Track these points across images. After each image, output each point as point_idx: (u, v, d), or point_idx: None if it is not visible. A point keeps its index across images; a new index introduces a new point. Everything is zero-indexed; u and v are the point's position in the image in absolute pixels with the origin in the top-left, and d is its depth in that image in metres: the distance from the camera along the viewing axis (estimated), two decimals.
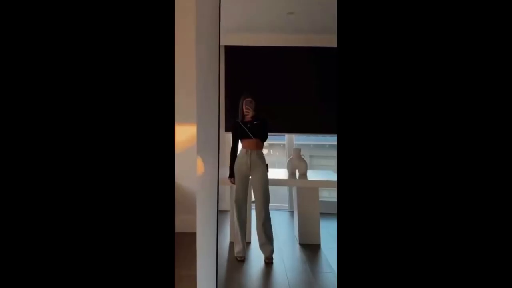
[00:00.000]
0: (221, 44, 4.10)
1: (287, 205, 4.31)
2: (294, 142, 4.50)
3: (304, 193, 3.00)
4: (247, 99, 2.65)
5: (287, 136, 4.45)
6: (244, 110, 2.63)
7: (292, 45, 4.10)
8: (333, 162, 7.30)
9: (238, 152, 2.72)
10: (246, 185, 2.66)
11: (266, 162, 2.68)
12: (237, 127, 2.68)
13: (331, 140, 6.82)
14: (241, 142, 2.68)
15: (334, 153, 7.32)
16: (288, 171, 3.12)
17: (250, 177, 2.64)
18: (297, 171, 3.09)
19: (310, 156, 7.08)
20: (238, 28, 3.89)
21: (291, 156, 3.14)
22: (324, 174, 3.28)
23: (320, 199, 3.07)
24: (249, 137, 2.61)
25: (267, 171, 2.64)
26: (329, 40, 4.04)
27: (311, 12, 3.41)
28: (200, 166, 1.60)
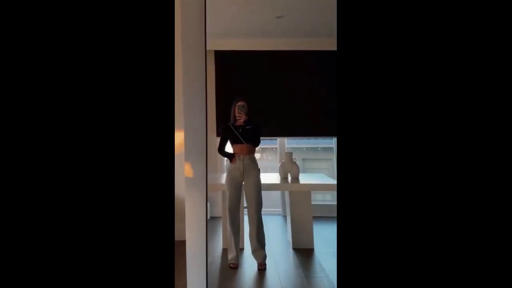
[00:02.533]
0: (210, 49, 4.14)
1: (280, 209, 4.30)
2: (286, 146, 4.50)
3: (297, 197, 2.99)
4: (239, 103, 2.53)
5: (279, 140, 4.45)
6: (237, 114, 2.53)
7: (282, 49, 4.11)
8: (326, 165, 7.33)
9: None
10: (239, 191, 2.57)
11: (259, 167, 2.62)
12: (228, 131, 2.59)
13: (324, 143, 6.85)
14: (232, 147, 2.60)
15: (326, 155, 7.33)
16: (280, 175, 3.10)
17: (243, 183, 2.57)
18: (289, 175, 3.07)
19: (303, 160, 7.10)
20: (227, 33, 3.89)
21: (283, 160, 3.12)
22: (316, 177, 3.27)
23: (313, 203, 3.05)
24: (240, 142, 2.53)
25: (260, 175, 2.59)
26: (319, 43, 4.06)
27: (301, 15, 3.41)
28: (188, 172, 1.57)
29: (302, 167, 6.30)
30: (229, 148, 2.64)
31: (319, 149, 7.61)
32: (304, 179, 3.06)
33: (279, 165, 3.17)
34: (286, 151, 4.00)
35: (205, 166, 1.56)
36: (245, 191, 2.56)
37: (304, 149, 7.52)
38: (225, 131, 2.61)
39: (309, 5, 3.15)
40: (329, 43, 3.95)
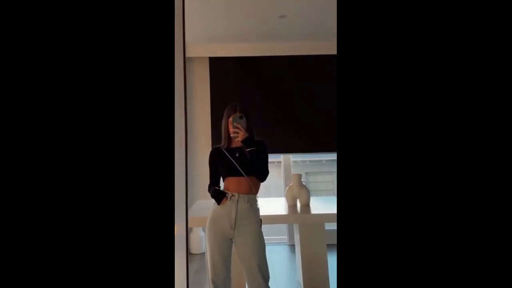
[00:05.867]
0: (204, 56, 3.69)
1: (286, 237, 3.78)
2: (291, 160, 4.02)
3: (308, 229, 2.49)
4: (235, 113, 1.63)
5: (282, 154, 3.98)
6: (231, 130, 1.63)
7: (284, 54, 3.65)
8: (331, 178, 6.87)
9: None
10: (228, 252, 1.61)
11: (260, 216, 1.66)
12: (217, 157, 1.67)
13: (328, 155, 6.40)
14: (225, 182, 1.66)
15: (331, 168, 6.88)
16: (288, 201, 2.61)
17: (233, 240, 1.62)
18: (298, 201, 2.58)
19: (306, 173, 6.64)
20: (224, 38, 3.42)
21: (290, 184, 2.63)
22: (328, 201, 2.77)
23: (326, 227, 2.55)
24: (237, 174, 1.60)
25: (261, 228, 1.64)
26: (326, 47, 3.60)
27: (307, 15, 2.95)
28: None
29: (306, 182, 5.84)
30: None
31: (324, 161, 7.18)
32: (315, 205, 2.56)
33: (284, 184, 2.67)
34: (292, 172, 3.51)
35: (184, 189, 1.17)
36: (239, 255, 1.60)
37: (308, 162, 7.08)
38: (214, 157, 1.68)
39: (315, 2, 2.71)
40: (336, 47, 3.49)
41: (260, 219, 1.66)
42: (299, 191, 2.57)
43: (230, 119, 1.63)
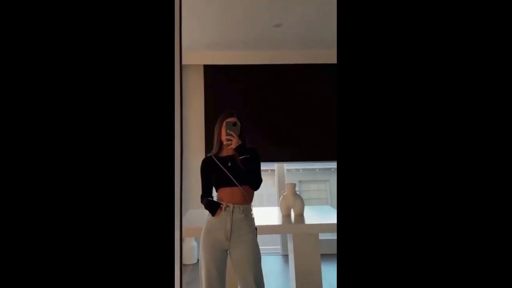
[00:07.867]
0: (198, 63, 3.68)
1: (279, 246, 3.74)
2: (284, 168, 4.01)
3: (302, 239, 2.47)
4: (229, 120, 1.60)
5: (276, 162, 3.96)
6: (225, 137, 1.59)
7: (279, 62, 3.66)
8: (324, 187, 6.86)
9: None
10: (223, 265, 1.57)
11: (255, 226, 1.64)
12: (210, 167, 1.63)
13: (321, 164, 6.41)
14: (218, 192, 1.62)
15: (324, 177, 6.89)
16: (282, 211, 2.58)
17: (228, 251, 1.58)
18: (292, 211, 2.56)
19: (300, 181, 6.62)
20: (218, 45, 3.43)
21: (285, 193, 2.61)
22: (322, 211, 2.76)
23: (320, 237, 2.52)
24: (231, 184, 1.57)
25: (256, 239, 1.61)
26: (321, 55, 3.62)
27: (302, 24, 2.97)
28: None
29: (299, 189, 5.81)
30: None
31: (317, 170, 7.18)
32: (310, 215, 2.54)
33: (277, 192, 2.65)
34: (286, 181, 3.49)
35: (179, 200, 1.18)
36: (235, 266, 1.56)
37: (301, 170, 7.07)
38: (206, 168, 1.64)
39: (311, 12, 2.72)
40: (332, 56, 3.52)
41: (256, 228, 1.63)
42: (293, 200, 2.55)
43: (224, 125, 1.60)
